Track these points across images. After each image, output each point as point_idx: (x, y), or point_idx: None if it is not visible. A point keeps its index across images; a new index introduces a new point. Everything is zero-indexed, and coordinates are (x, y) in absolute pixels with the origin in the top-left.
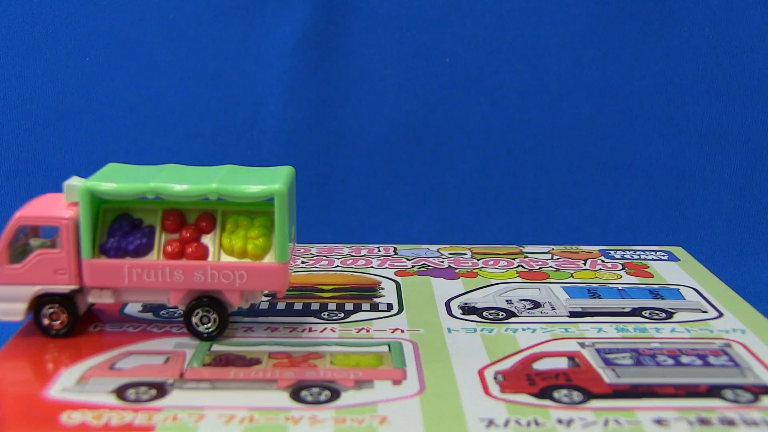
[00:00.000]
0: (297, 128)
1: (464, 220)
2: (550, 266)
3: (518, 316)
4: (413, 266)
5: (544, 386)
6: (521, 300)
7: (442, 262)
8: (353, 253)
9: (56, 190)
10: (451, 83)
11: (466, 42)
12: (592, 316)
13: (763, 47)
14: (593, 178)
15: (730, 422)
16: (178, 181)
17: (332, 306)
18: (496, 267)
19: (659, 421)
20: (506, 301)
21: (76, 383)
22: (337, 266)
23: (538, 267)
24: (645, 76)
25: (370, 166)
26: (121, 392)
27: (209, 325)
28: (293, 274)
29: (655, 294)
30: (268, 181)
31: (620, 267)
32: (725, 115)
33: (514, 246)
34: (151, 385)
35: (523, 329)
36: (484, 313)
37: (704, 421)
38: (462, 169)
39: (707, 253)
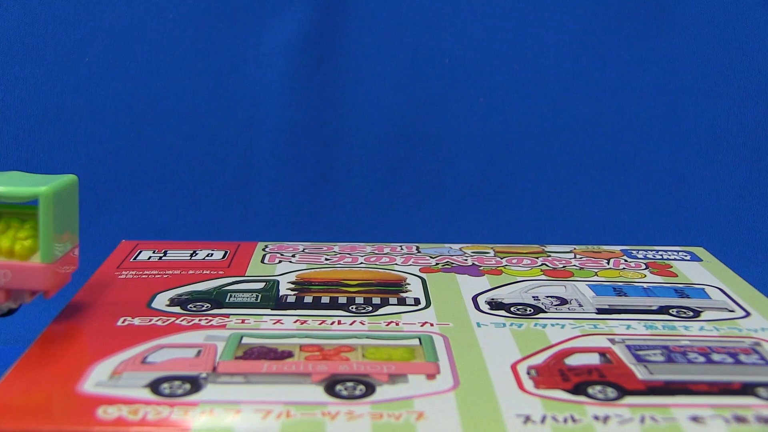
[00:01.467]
0: (296, 128)
1: (463, 220)
2: (574, 265)
3: (546, 312)
4: (437, 263)
5: (578, 382)
6: (548, 297)
7: (466, 260)
8: (376, 251)
9: None
10: (450, 84)
11: (465, 42)
12: (619, 313)
13: (764, 47)
14: (591, 178)
15: (767, 420)
16: None
17: (360, 300)
18: (520, 265)
19: (695, 419)
20: (533, 297)
21: (109, 378)
22: (361, 263)
23: (561, 266)
24: (644, 75)
25: (369, 167)
26: (154, 386)
27: None
28: (320, 270)
29: (680, 293)
30: (37, 185)
31: (644, 266)
32: (725, 115)
33: (536, 245)
34: (184, 379)
35: (552, 325)
36: (512, 309)
37: (740, 419)
38: (461, 169)
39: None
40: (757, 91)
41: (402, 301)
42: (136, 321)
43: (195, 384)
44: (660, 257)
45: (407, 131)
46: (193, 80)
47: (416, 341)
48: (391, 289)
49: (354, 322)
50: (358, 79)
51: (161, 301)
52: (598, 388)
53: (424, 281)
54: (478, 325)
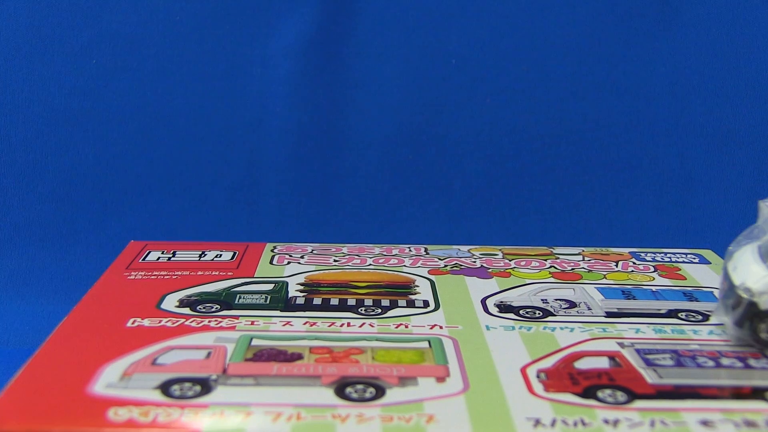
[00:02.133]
0: (303, 130)
1: (470, 222)
2: (583, 267)
3: (555, 315)
4: (446, 265)
5: (588, 386)
6: (557, 300)
7: (475, 262)
8: (385, 253)
9: (63, 193)
10: (457, 85)
11: (472, 44)
12: (628, 316)
13: None
14: (599, 179)
15: None
16: None
17: (369, 302)
18: (529, 267)
19: (705, 423)
20: (542, 300)
21: (119, 379)
22: (370, 265)
23: (570, 268)
24: (652, 76)
25: (375, 168)
26: (165, 388)
27: None
28: (328, 271)
29: (689, 296)
30: None
31: (652, 269)
32: (732, 116)
33: (545, 247)
34: (195, 381)
35: (561, 328)
36: (521, 312)
37: (750, 424)
38: (468, 171)
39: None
40: (766, 91)
41: (411, 304)
42: (146, 322)
43: (205, 386)
44: (669, 260)
45: (414, 133)
46: (200, 82)
47: (426, 344)
48: (400, 291)
49: (363, 324)
50: (365, 80)
51: (170, 303)
52: (608, 391)
53: (432, 283)
54: (487, 327)
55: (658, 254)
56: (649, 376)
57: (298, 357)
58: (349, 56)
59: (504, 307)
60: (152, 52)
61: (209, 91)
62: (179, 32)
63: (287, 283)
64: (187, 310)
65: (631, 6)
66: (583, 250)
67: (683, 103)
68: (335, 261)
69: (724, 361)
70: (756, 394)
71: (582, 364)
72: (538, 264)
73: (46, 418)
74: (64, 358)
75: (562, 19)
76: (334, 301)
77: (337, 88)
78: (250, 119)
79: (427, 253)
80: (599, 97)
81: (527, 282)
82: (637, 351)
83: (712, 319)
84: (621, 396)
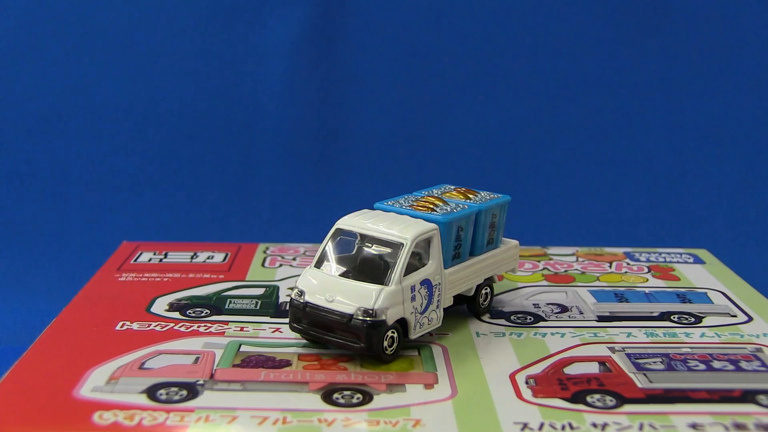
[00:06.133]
0: (296, 127)
1: None
2: (576, 269)
3: (546, 320)
4: None
5: (577, 391)
6: (548, 304)
7: None
8: None
9: (55, 191)
10: (450, 82)
11: (465, 40)
12: (620, 320)
13: (761, 43)
14: (589, 178)
15: (767, 428)
16: None
17: None
18: (522, 270)
19: (694, 426)
20: (533, 304)
21: (106, 383)
22: None
23: (563, 270)
24: (644, 73)
25: (369, 165)
26: (151, 392)
27: None
28: None
29: (682, 298)
30: None
31: (646, 270)
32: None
33: (538, 247)
34: (181, 385)
35: (552, 333)
36: (512, 317)
37: (740, 426)
38: (462, 169)
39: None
40: (759, 87)
41: None
42: (135, 326)
43: (192, 390)
44: (663, 260)
45: (408, 130)
46: (193, 80)
47: (415, 351)
48: None
49: None
50: (359, 77)
51: (160, 306)
52: (597, 396)
53: None
54: (477, 334)
55: (652, 254)
56: (639, 381)
57: (287, 364)
58: (343, 53)
59: (495, 313)
60: (145, 49)
61: (202, 88)
62: (171, 30)
63: (278, 287)
64: (176, 314)
65: (622, 2)
66: (577, 251)
67: (676, 100)
68: None
69: (716, 365)
70: (746, 396)
71: (572, 370)
72: (531, 266)
73: (30, 421)
74: (51, 360)
75: (555, 16)
76: None
77: (331, 85)
78: (242, 117)
79: None
80: (592, 95)
81: (519, 285)
82: (628, 356)
83: (705, 321)
84: (610, 400)
